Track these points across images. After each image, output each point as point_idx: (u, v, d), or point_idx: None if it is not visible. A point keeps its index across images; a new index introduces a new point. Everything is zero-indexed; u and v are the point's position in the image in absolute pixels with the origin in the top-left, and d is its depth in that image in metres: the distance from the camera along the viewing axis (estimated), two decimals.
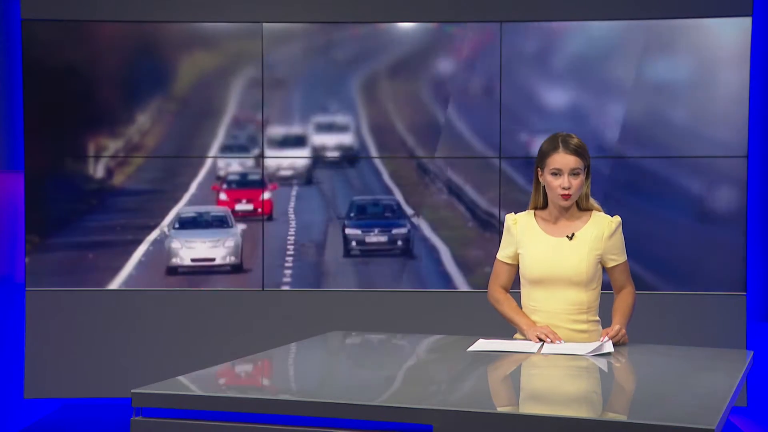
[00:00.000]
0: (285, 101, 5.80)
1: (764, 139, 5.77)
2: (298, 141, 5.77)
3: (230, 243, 5.76)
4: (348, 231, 5.73)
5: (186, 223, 5.79)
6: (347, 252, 5.74)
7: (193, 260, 5.76)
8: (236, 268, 5.78)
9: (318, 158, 5.77)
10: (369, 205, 5.76)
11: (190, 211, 5.79)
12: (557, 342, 3.34)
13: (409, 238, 5.73)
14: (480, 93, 5.72)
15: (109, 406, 5.87)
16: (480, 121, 5.73)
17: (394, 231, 5.74)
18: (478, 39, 5.72)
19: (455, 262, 5.74)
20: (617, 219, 3.51)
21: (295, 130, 5.77)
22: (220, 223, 5.78)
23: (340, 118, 5.76)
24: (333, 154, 5.77)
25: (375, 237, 5.73)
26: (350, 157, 5.76)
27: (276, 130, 5.77)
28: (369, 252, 5.75)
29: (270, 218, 5.76)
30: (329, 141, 5.77)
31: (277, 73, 5.77)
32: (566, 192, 3.43)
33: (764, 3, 5.72)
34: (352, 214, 5.74)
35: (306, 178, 5.76)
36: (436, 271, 5.74)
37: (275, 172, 5.75)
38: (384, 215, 5.75)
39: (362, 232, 5.74)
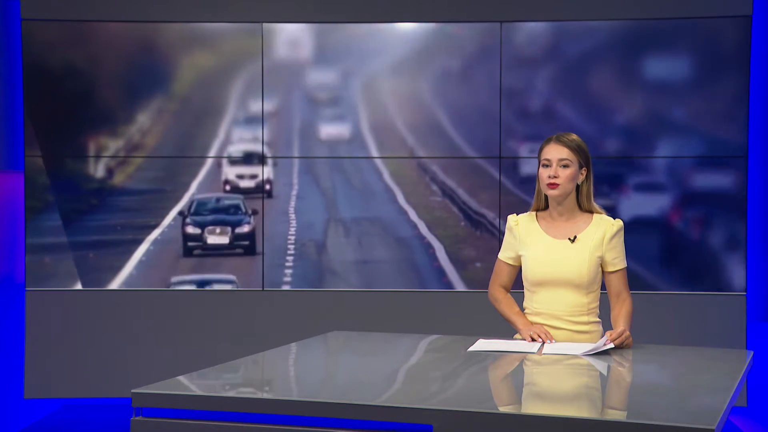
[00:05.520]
0: (285, 101, 5.80)
1: (764, 139, 5.78)
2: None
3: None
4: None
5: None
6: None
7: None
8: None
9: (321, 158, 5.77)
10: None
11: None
12: (549, 342, 3.35)
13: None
14: (480, 93, 5.72)
15: (109, 406, 5.87)
16: (479, 121, 5.73)
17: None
18: (479, 39, 5.72)
19: (449, 258, 5.75)
20: (619, 223, 3.50)
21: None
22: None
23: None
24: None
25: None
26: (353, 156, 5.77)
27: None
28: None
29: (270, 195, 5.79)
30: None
31: (276, 73, 5.77)
32: (552, 181, 3.43)
33: (764, 3, 5.72)
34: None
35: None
36: (431, 267, 5.75)
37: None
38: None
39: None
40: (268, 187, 5.80)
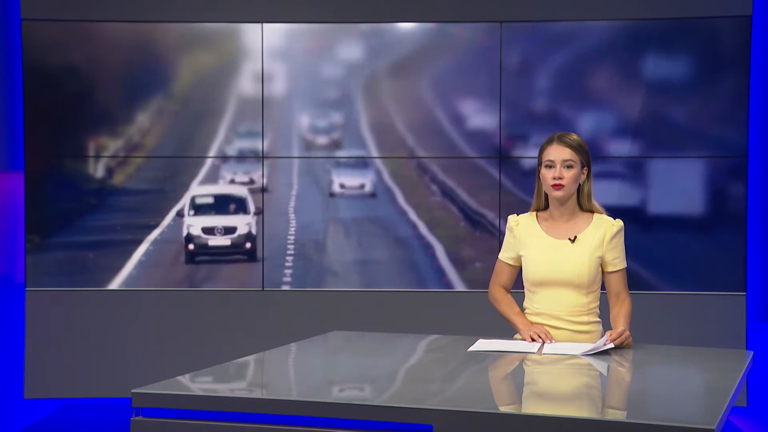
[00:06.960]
0: (285, 101, 5.80)
1: (764, 139, 5.78)
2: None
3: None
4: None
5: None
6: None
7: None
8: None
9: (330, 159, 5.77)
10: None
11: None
12: (549, 342, 3.35)
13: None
14: (480, 93, 5.72)
15: (109, 406, 5.87)
16: (479, 121, 5.73)
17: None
18: (478, 39, 5.72)
19: (449, 258, 5.75)
20: (619, 223, 3.50)
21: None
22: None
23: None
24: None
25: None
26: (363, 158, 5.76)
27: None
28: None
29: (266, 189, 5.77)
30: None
31: (276, 72, 5.77)
32: (557, 182, 3.42)
33: (764, 3, 5.72)
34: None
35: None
36: (431, 267, 5.75)
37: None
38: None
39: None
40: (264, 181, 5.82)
